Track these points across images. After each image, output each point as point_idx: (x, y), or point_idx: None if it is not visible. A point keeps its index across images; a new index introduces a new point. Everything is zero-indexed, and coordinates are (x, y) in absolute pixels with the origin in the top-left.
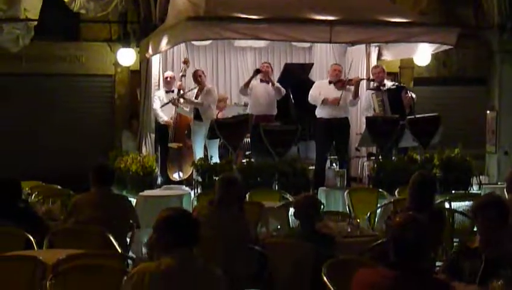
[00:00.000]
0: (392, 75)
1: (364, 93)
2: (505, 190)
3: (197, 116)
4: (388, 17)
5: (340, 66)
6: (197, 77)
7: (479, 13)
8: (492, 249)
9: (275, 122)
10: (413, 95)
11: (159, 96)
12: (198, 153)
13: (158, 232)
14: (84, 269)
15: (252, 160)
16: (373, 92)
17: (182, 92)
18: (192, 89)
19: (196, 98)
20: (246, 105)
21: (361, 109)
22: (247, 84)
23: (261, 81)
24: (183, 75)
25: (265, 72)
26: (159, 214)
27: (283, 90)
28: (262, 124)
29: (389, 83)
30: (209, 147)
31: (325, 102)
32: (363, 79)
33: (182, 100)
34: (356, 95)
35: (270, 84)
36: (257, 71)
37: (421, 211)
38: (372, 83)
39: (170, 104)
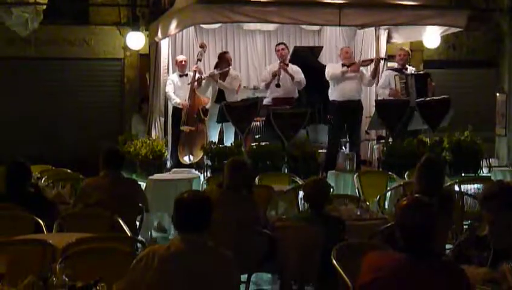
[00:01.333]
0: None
1: (384, 72)
2: None
3: (219, 100)
4: (397, 0)
5: (351, 48)
6: (228, 60)
7: None
8: (502, 240)
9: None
10: (433, 83)
11: (172, 80)
12: (213, 136)
13: (172, 214)
14: (93, 253)
15: (262, 143)
16: (396, 73)
17: (199, 75)
18: (223, 70)
19: (221, 80)
20: (255, 88)
21: (378, 86)
22: (268, 85)
23: (343, 66)
24: (199, 59)
25: (282, 55)
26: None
27: (303, 82)
28: (272, 108)
29: (410, 68)
30: (225, 130)
31: (344, 73)
32: (383, 58)
33: (206, 81)
34: (375, 74)
35: (289, 78)
36: (274, 75)
37: (430, 194)
38: (394, 64)
39: (184, 88)
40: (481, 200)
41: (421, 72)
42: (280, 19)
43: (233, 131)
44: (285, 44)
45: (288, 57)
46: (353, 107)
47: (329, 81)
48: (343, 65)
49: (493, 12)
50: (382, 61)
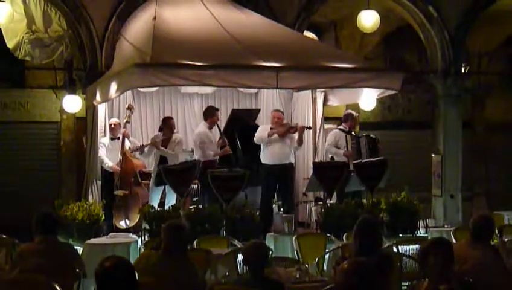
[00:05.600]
0: (337, 120)
1: (332, 131)
2: (451, 233)
3: (162, 163)
4: (333, 63)
5: (281, 112)
6: (172, 126)
7: (422, 58)
8: None
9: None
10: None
11: (104, 143)
12: (155, 200)
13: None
14: None
15: (200, 206)
16: (345, 134)
17: (128, 140)
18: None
19: (164, 146)
20: (192, 151)
21: (327, 145)
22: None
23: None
24: (128, 122)
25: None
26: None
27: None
28: (209, 170)
29: (360, 132)
30: (168, 193)
31: (269, 135)
32: (307, 127)
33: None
34: (301, 142)
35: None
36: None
37: (369, 255)
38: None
39: (115, 151)
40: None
41: (371, 136)
42: (217, 82)
43: (172, 194)
44: (281, 112)
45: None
46: (283, 170)
47: (261, 144)
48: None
49: (427, 75)
50: (306, 130)
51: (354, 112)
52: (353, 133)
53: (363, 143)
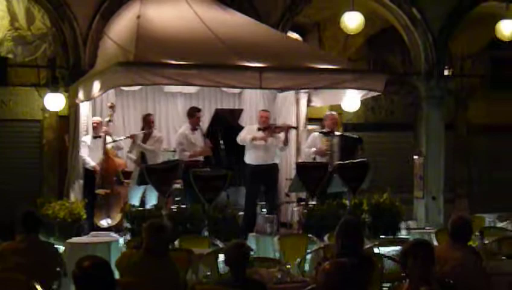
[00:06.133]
0: (320, 121)
1: (312, 134)
2: (433, 235)
3: (143, 162)
4: (317, 64)
5: (268, 112)
6: (150, 122)
7: (406, 60)
8: None
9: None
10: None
11: (86, 142)
12: (135, 199)
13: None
14: None
15: (182, 206)
16: (323, 135)
17: (110, 137)
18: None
19: (144, 142)
20: (175, 151)
21: (304, 147)
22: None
23: (259, 129)
24: (110, 120)
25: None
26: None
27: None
28: (191, 170)
29: (338, 133)
30: (148, 193)
31: (253, 140)
32: (293, 127)
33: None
34: (286, 141)
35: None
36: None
37: (350, 256)
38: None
39: (98, 150)
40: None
41: (354, 136)
42: (201, 81)
43: (156, 193)
44: (268, 111)
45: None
46: (267, 170)
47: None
48: (259, 129)
49: (411, 76)
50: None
51: (333, 112)
52: (332, 134)
53: (335, 142)
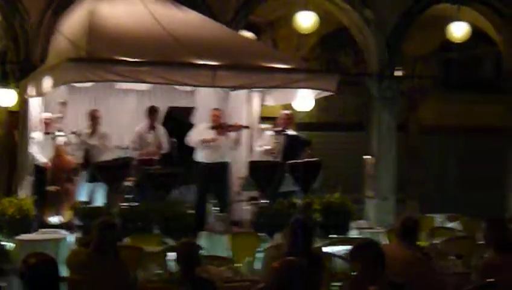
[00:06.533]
0: (273, 120)
1: (266, 132)
2: (383, 235)
3: (87, 159)
4: (270, 63)
5: (220, 110)
6: (96, 118)
7: (358, 61)
8: None
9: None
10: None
11: (36, 138)
12: (83, 196)
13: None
14: None
15: (133, 204)
16: (274, 133)
17: (61, 133)
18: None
19: (89, 138)
20: (127, 148)
21: (255, 146)
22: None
23: (211, 128)
24: (61, 117)
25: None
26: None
27: (241, 141)
28: (143, 168)
29: (291, 132)
30: (96, 190)
31: (203, 142)
32: (245, 126)
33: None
34: (237, 141)
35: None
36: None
37: (300, 255)
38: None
39: (48, 146)
40: (351, 253)
41: (297, 136)
42: (153, 79)
43: (104, 190)
44: (220, 110)
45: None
46: (218, 168)
47: None
48: (211, 127)
49: (363, 77)
50: (244, 128)
51: (288, 112)
52: (284, 133)
53: (283, 142)
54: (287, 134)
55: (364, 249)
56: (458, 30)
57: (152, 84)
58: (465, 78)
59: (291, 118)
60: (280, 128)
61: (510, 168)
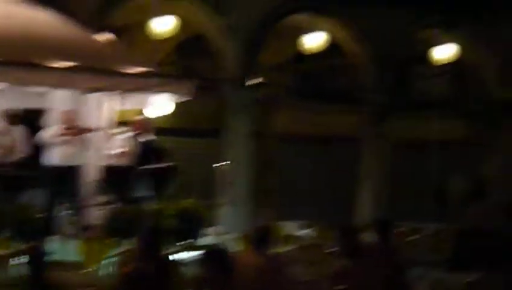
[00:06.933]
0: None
1: (119, 137)
2: (235, 242)
3: None
4: (127, 67)
5: (72, 112)
6: None
7: (215, 67)
8: None
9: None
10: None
11: None
12: None
13: None
14: None
15: None
16: (128, 137)
17: None
18: None
19: None
20: None
21: (108, 149)
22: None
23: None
24: None
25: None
26: None
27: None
28: None
29: (147, 135)
30: None
31: (53, 144)
32: (97, 129)
33: None
34: (88, 144)
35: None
36: None
37: (151, 260)
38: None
39: None
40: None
41: (156, 144)
42: (5, 79)
43: None
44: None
45: None
46: (69, 171)
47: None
48: (63, 129)
49: (220, 83)
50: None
51: (143, 117)
52: (139, 137)
53: (140, 148)
54: (142, 139)
55: (212, 256)
56: (312, 41)
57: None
58: (320, 88)
59: (147, 123)
60: (135, 133)
61: (361, 177)
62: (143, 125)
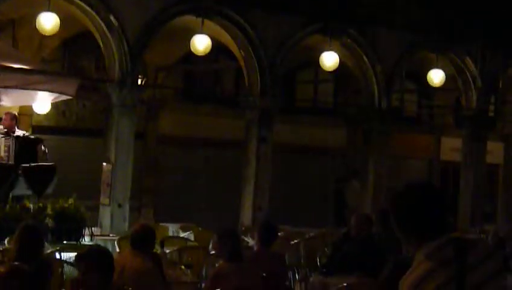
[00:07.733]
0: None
1: None
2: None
3: None
4: (7, 63)
5: None
6: None
7: (100, 66)
8: None
9: None
10: (47, 150)
11: None
12: None
13: None
14: None
15: None
16: (2, 135)
17: None
18: None
19: None
20: None
21: None
22: None
23: None
24: None
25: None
26: None
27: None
28: None
29: (20, 132)
30: None
31: None
32: None
33: None
34: None
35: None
36: None
37: (29, 260)
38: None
39: None
40: (76, 261)
41: (31, 137)
42: None
43: None
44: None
45: None
46: None
47: None
48: None
49: (104, 83)
50: None
51: (10, 112)
52: (11, 134)
53: (12, 145)
54: (16, 135)
55: (90, 256)
56: (200, 43)
57: None
58: (206, 90)
59: (16, 118)
60: (6, 130)
61: (245, 181)
62: (13, 122)
